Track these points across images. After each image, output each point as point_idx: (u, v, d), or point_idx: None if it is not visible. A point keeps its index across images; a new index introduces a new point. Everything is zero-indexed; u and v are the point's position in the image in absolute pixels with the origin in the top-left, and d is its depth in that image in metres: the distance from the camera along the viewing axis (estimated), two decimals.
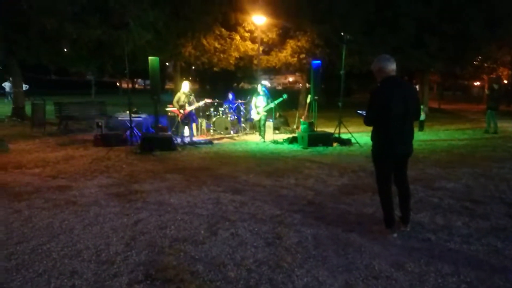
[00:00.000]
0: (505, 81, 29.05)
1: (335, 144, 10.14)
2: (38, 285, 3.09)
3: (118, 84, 47.42)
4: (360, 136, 10.94)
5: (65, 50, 16.58)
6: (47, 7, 11.30)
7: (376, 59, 4.02)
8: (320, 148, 9.66)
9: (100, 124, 10.88)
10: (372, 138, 4.08)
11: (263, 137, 10.96)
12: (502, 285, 3.12)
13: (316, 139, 10.01)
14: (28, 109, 14.53)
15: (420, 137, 11.43)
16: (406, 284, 3.12)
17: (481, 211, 4.85)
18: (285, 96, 10.95)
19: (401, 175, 4.13)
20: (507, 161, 8.10)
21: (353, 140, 10.36)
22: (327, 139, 10.13)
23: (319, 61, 11.06)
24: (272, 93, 11.97)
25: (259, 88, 11.22)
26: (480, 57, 22.04)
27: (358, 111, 4.41)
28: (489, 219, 4.56)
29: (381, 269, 3.36)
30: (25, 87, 18.54)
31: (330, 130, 10.89)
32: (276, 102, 10.87)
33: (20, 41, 13.80)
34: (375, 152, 4.06)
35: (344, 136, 10.56)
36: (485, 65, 24.27)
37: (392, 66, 3.92)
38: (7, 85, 26.52)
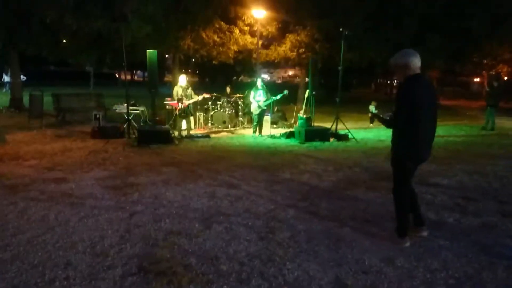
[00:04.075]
0: (505, 78, 28.99)
1: (332, 140, 10.18)
2: (33, 276, 3.14)
3: (117, 76, 47.31)
4: (357, 131, 10.97)
5: (64, 41, 16.54)
6: None
7: (400, 53, 3.60)
8: (317, 143, 9.69)
9: (97, 116, 10.88)
10: (396, 140, 3.71)
11: (255, 132, 10.93)
12: (489, 281, 3.17)
13: (313, 134, 10.03)
14: (26, 100, 14.52)
15: None
16: (395, 279, 3.17)
17: (472, 208, 4.90)
18: (286, 92, 10.72)
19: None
20: (502, 158, 8.15)
21: (350, 136, 10.40)
22: (324, 134, 10.14)
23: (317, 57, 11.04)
24: (271, 87, 11.94)
25: (259, 82, 11.14)
26: (479, 54, 21.96)
27: (383, 115, 3.85)
28: (480, 216, 4.61)
29: (371, 264, 3.42)
30: (22, 78, 18.48)
31: (328, 125, 10.90)
32: (277, 97, 10.80)
33: (20, 31, 13.73)
34: (401, 155, 3.70)
35: (342, 131, 10.60)
36: (485, 61, 24.22)
37: (419, 63, 3.55)
38: (5, 75, 26.47)
